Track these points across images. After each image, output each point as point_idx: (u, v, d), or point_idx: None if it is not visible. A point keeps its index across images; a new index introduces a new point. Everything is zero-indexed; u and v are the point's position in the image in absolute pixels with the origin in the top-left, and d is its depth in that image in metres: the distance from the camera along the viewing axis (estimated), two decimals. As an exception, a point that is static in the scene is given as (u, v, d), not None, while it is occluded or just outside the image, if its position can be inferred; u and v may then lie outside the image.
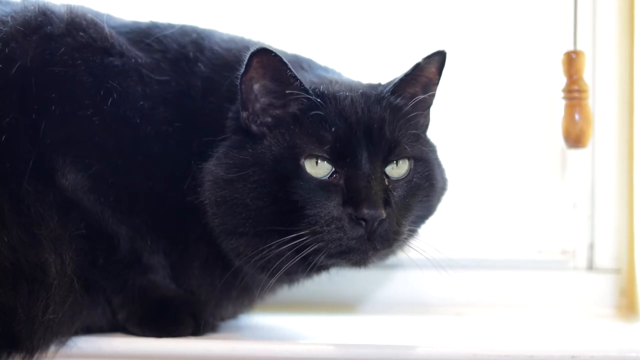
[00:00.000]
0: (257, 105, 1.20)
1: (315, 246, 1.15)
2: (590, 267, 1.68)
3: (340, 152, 1.17)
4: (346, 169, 1.17)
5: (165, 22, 1.34)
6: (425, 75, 1.25)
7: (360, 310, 1.65)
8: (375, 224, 1.14)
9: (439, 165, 1.29)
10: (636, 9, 1.62)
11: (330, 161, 1.17)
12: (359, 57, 1.69)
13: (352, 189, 1.16)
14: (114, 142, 1.20)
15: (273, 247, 1.16)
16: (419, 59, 1.23)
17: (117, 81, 1.20)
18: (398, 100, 1.23)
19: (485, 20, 1.73)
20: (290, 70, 1.17)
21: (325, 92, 1.20)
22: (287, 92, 1.18)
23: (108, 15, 1.32)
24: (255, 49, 1.16)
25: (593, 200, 1.67)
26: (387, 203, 1.16)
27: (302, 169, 1.17)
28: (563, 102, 1.50)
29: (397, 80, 1.24)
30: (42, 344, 1.17)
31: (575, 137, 1.49)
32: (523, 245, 1.71)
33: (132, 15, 1.37)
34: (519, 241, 1.71)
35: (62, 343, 1.20)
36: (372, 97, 1.22)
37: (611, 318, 1.61)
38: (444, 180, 1.30)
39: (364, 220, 1.14)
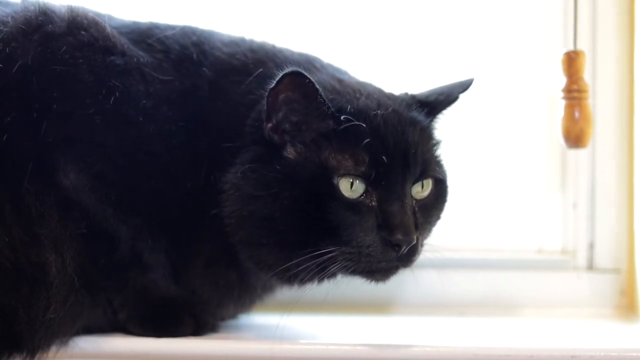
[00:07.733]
0: (281, 116, 1.19)
1: (344, 263, 1.17)
2: (590, 267, 1.68)
3: (378, 174, 1.17)
4: (379, 190, 1.17)
5: (165, 23, 1.34)
6: (450, 100, 1.30)
7: (361, 310, 1.65)
8: (407, 248, 1.16)
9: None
10: (636, 9, 1.62)
11: (366, 182, 1.17)
12: (352, 56, 1.69)
13: (386, 212, 1.16)
14: (116, 141, 1.20)
15: (298, 260, 1.17)
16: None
17: (119, 80, 1.20)
18: (429, 123, 1.27)
19: (484, 19, 1.73)
20: (321, 96, 1.16)
21: (353, 110, 1.19)
22: (315, 113, 1.18)
23: (109, 16, 1.31)
24: (289, 70, 1.15)
25: (593, 200, 1.67)
26: (416, 227, 1.18)
27: (334, 188, 1.17)
28: (563, 102, 1.50)
29: (429, 103, 1.28)
30: (44, 344, 1.17)
31: (575, 137, 1.49)
32: (523, 245, 1.71)
33: (131, 15, 1.37)
34: (519, 241, 1.71)
35: (64, 343, 1.20)
36: (405, 117, 1.23)
37: (611, 318, 1.61)
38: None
39: (398, 245, 1.15)
